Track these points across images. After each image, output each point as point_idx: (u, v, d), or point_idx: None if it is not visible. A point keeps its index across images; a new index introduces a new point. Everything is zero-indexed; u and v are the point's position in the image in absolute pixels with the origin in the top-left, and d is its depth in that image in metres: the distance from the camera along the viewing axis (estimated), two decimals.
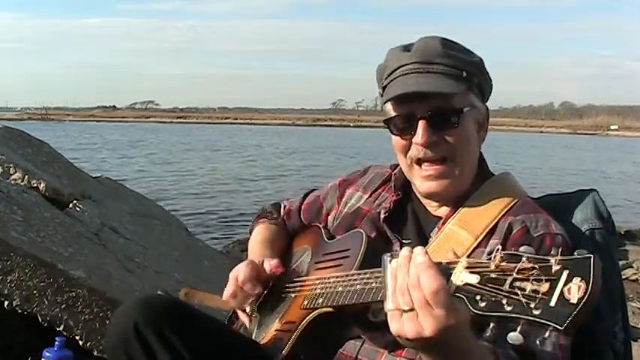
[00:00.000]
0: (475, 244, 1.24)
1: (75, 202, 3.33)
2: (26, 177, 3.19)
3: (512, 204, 1.29)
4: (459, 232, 1.26)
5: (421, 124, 1.28)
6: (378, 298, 1.05)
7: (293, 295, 1.40)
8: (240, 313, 1.51)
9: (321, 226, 1.56)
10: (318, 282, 1.32)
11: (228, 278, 1.52)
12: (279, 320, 1.39)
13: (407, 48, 1.33)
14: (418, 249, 0.98)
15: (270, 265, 1.45)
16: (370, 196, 1.52)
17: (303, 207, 1.67)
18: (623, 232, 8.40)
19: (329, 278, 1.29)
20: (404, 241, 1.36)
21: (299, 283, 1.41)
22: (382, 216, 1.41)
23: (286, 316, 1.38)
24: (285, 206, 1.71)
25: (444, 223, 1.31)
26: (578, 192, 1.45)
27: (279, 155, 26.16)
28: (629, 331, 1.41)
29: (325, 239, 1.48)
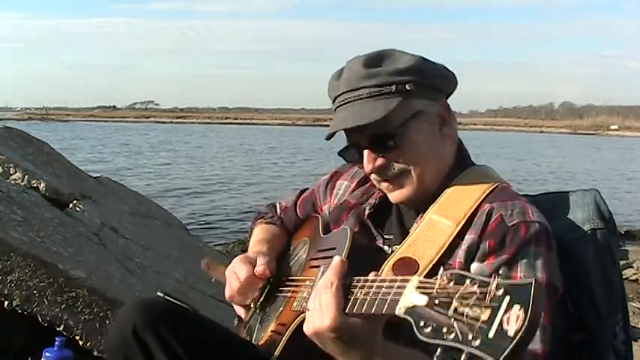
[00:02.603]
0: (457, 230, 1.23)
1: (75, 202, 3.33)
2: (26, 177, 3.18)
3: (491, 189, 1.28)
4: (440, 220, 1.26)
5: (365, 153, 1.30)
6: (354, 310, 1.03)
7: (288, 295, 1.41)
8: (239, 309, 1.51)
9: (319, 216, 1.58)
10: (307, 282, 1.32)
11: None
12: (275, 321, 1.39)
13: (339, 74, 1.34)
14: (337, 263, 1.08)
15: (256, 271, 1.44)
16: (357, 187, 1.53)
17: (298, 202, 1.70)
18: (623, 232, 8.42)
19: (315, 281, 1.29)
20: (386, 237, 1.38)
21: (294, 282, 1.42)
22: (367, 212, 1.42)
23: (280, 317, 1.38)
24: (281, 205, 1.74)
25: (422, 218, 1.30)
26: (579, 191, 1.45)
27: (286, 155, 26.17)
28: (629, 331, 1.41)
29: (321, 233, 1.49)
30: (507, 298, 0.77)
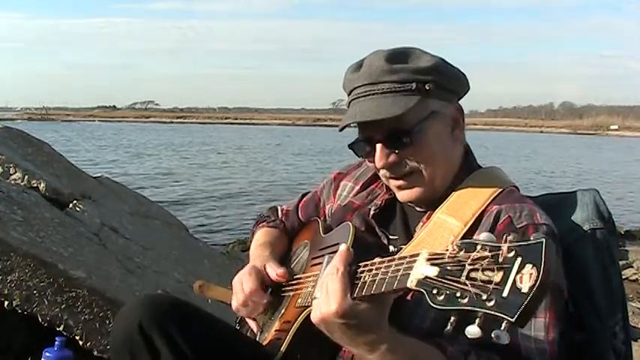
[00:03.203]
0: (465, 230, 1.23)
1: (75, 202, 3.33)
2: (26, 177, 3.18)
3: (499, 192, 1.29)
4: (448, 220, 1.26)
5: (378, 147, 1.29)
6: (364, 293, 1.04)
7: (291, 294, 1.41)
8: (249, 321, 1.51)
9: (319, 219, 1.58)
10: (310, 279, 1.32)
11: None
12: (279, 320, 1.39)
13: (358, 67, 1.33)
14: (343, 251, 1.09)
15: (276, 274, 1.44)
16: (362, 188, 1.53)
17: (300, 205, 1.70)
18: (623, 232, 8.41)
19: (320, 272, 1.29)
20: (391, 237, 1.38)
21: (296, 281, 1.41)
22: (372, 212, 1.42)
23: (284, 315, 1.38)
24: (282, 209, 1.74)
25: (428, 218, 1.31)
26: (578, 192, 1.45)
27: (288, 155, 26.18)
28: (629, 330, 1.41)
29: (321, 233, 1.49)
30: (519, 259, 0.78)
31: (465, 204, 1.27)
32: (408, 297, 1.18)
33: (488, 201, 1.27)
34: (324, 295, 1.06)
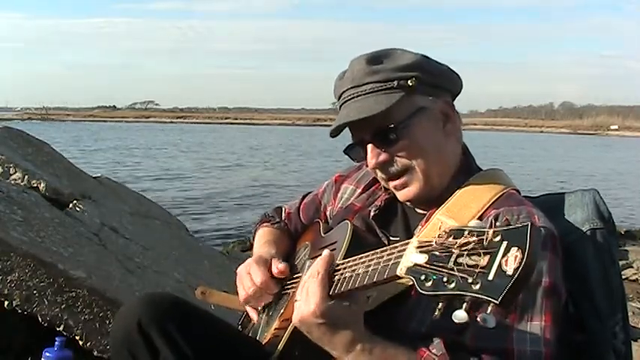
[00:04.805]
0: None
1: (75, 202, 3.32)
2: (26, 177, 3.18)
3: (498, 196, 1.29)
4: (447, 222, 1.25)
5: (369, 147, 1.31)
6: (357, 285, 1.06)
7: (291, 293, 1.42)
8: (251, 313, 1.52)
9: (321, 221, 1.59)
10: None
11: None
12: (278, 319, 1.40)
13: (343, 74, 1.37)
14: (325, 255, 1.15)
15: (277, 268, 1.45)
16: (363, 191, 1.54)
17: (301, 207, 1.71)
18: (623, 232, 8.40)
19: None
20: (392, 238, 1.38)
21: (296, 281, 1.42)
22: (372, 214, 1.43)
23: (284, 314, 1.38)
24: (285, 210, 1.75)
25: (427, 220, 1.31)
26: (578, 192, 1.45)
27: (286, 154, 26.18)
28: (629, 331, 1.41)
29: (321, 234, 1.50)
30: (505, 243, 0.80)
31: (465, 206, 1.27)
32: (406, 299, 1.19)
33: (488, 205, 1.27)
34: (304, 297, 1.12)
